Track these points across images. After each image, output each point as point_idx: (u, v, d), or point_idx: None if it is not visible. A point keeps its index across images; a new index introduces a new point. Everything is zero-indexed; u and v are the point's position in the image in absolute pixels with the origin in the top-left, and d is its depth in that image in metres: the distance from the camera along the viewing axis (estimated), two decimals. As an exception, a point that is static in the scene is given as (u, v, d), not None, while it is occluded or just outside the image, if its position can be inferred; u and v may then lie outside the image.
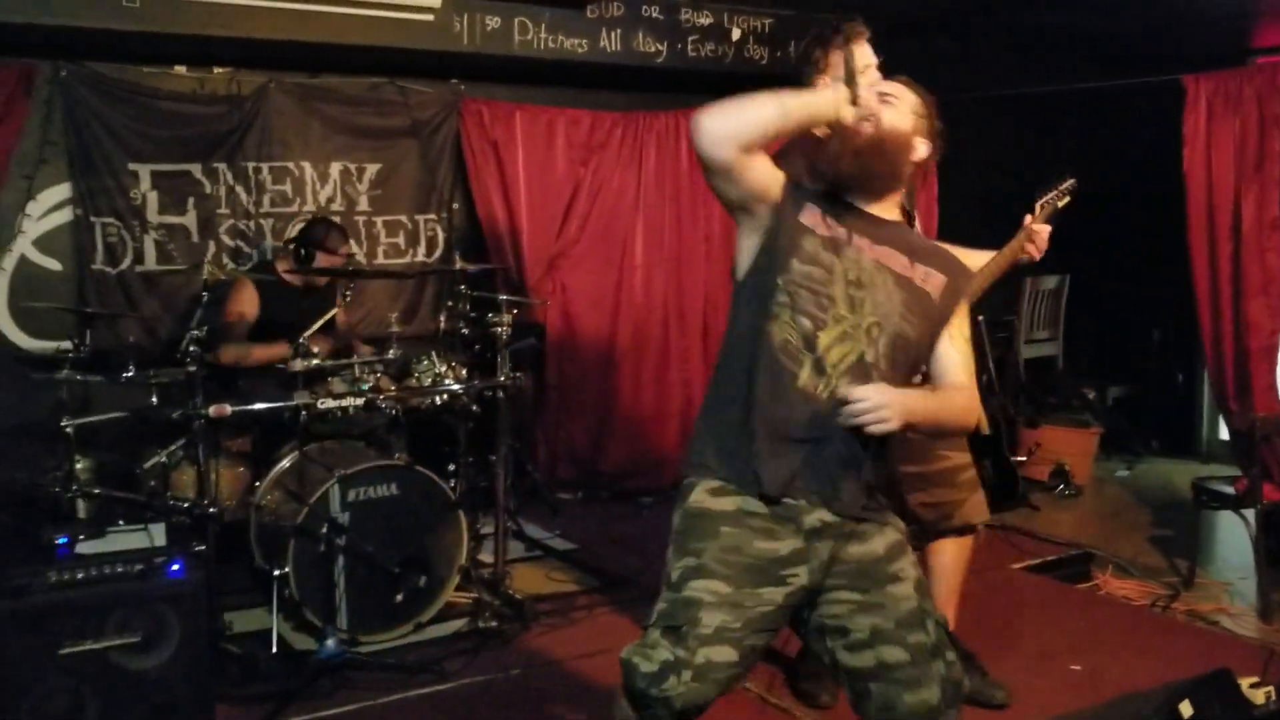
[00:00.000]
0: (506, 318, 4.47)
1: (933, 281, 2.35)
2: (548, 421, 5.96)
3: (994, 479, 5.71)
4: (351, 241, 5.55)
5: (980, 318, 6.35)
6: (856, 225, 2.31)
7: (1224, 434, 6.72)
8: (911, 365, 2.35)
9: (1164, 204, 5.35)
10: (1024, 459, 6.20)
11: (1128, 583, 4.74)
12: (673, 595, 2.21)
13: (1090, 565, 4.94)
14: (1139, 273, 6.96)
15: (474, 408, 4.55)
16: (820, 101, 2.29)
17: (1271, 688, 3.02)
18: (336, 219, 5.53)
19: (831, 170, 2.33)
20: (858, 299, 2.25)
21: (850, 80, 2.27)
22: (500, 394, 4.50)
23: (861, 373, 2.22)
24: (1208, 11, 5.48)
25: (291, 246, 4.90)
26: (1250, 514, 4.47)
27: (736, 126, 2.17)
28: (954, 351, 2.36)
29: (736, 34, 5.77)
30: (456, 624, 4.10)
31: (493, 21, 5.22)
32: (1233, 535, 4.94)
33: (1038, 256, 3.39)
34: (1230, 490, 4.63)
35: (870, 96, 2.30)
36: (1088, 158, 7.05)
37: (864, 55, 2.97)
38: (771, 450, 2.22)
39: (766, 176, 2.28)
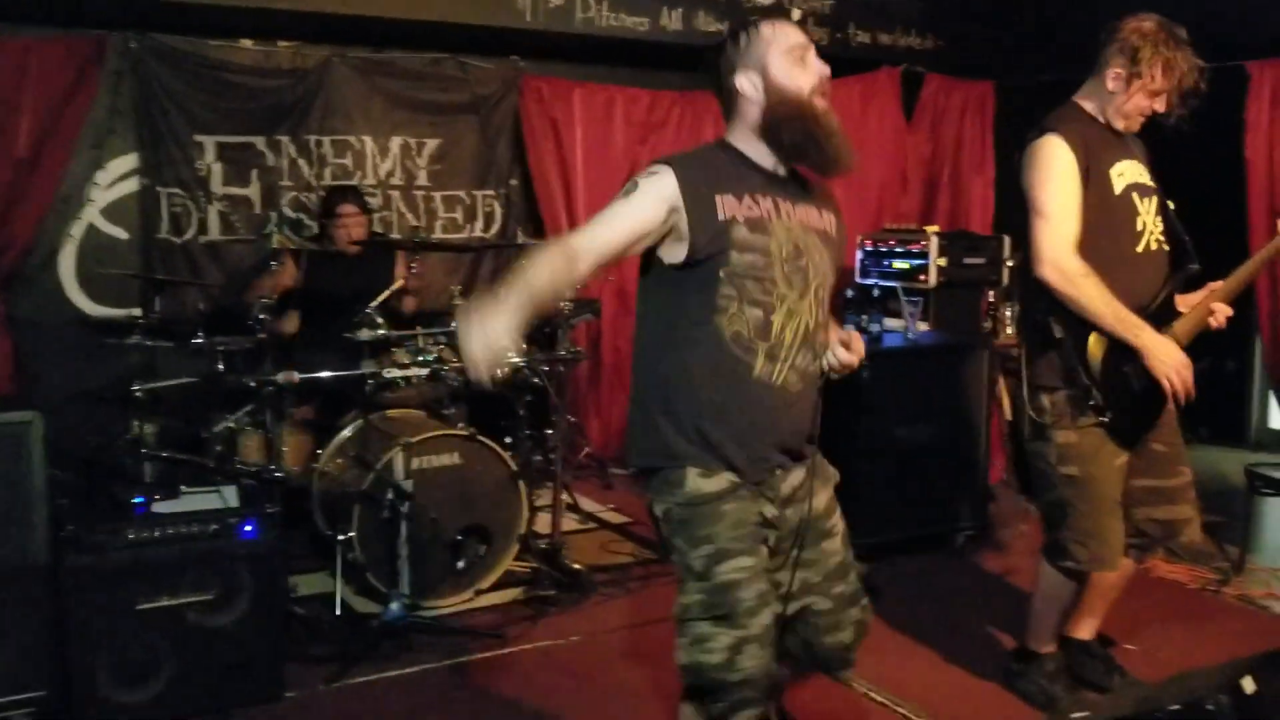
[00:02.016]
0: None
1: (833, 222, 2.43)
2: (602, 398, 6.01)
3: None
4: (410, 215, 5.64)
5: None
6: (777, 193, 2.31)
7: (1274, 423, 6.68)
8: (828, 303, 2.42)
9: (1218, 189, 5.30)
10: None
11: (1178, 567, 4.72)
12: (706, 584, 2.24)
13: (1141, 550, 4.92)
14: (1200, 255, 6.89)
15: (534, 381, 4.61)
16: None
17: (1328, 670, 3.02)
18: (396, 193, 5.61)
19: (807, 147, 2.28)
20: (796, 270, 2.28)
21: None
22: (560, 368, 4.56)
23: (808, 341, 2.30)
24: (1272, -2, 5.43)
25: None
26: (1306, 502, 4.45)
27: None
28: None
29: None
30: (515, 592, 4.16)
31: (556, -2, 5.25)
32: (1285, 523, 4.93)
33: (1222, 322, 3.17)
34: (1286, 478, 4.60)
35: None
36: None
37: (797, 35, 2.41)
38: (740, 440, 2.26)
39: (656, 219, 2.21)
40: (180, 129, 5.13)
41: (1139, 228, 3.06)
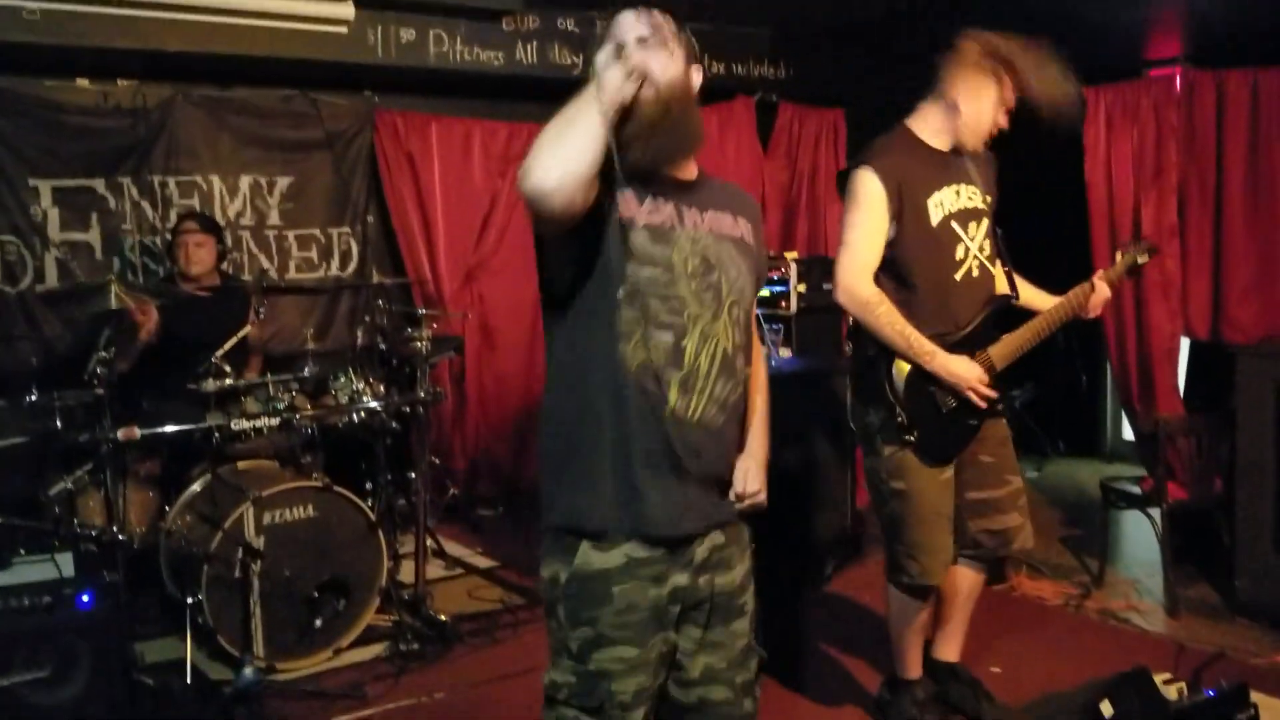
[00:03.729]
0: (425, 331, 4.44)
1: (749, 230, 2.19)
2: (467, 436, 5.91)
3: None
4: (262, 255, 5.47)
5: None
6: (681, 198, 2.08)
7: (1127, 434, 6.93)
8: (748, 323, 2.20)
9: (1064, 211, 5.49)
10: (939, 463, 6.30)
11: (1041, 582, 4.85)
12: (579, 669, 2.06)
13: (1005, 566, 5.04)
14: (1041, 279, 7.12)
15: (393, 424, 4.50)
16: (610, 83, 1.89)
17: (1184, 684, 3.11)
18: (246, 233, 5.44)
19: (643, 154, 1.99)
20: (707, 287, 2.05)
21: (619, 51, 1.94)
22: (420, 410, 4.46)
23: (726, 367, 2.07)
24: (1101, 25, 5.66)
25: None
26: (1156, 513, 4.60)
27: (574, 161, 1.83)
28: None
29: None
30: (377, 648, 4.04)
31: (407, 34, 5.18)
32: (1139, 533, 5.08)
33: (1093, 314, 3.36)
34: (1137, 490, 4.76)
35: (636, 56, 1.95)
36: (991, 157, 7.22)
37: (633, 25, 2.14)
38: (655, 487, 2.02)
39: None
40: (13, 173, 4.87)
41: (959, 255, 3.13)
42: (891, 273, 3.08)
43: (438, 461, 5.47)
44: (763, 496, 2.20)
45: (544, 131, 1.86)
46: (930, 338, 3.04)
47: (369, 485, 4.66)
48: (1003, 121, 3.14)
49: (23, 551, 3.63)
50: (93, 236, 5.08)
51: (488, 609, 4.46)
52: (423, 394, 4.40)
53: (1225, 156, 4.75)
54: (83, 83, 5.09)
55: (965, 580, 3.40)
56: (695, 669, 2.14)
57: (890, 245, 3.06)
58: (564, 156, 1.83)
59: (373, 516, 4.06)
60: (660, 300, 2.00)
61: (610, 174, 1.92)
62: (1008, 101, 3.12)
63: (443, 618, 4.18)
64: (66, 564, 3.48)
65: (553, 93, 2.08)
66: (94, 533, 3.88)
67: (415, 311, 4.82)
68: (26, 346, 4.72)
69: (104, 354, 3.88)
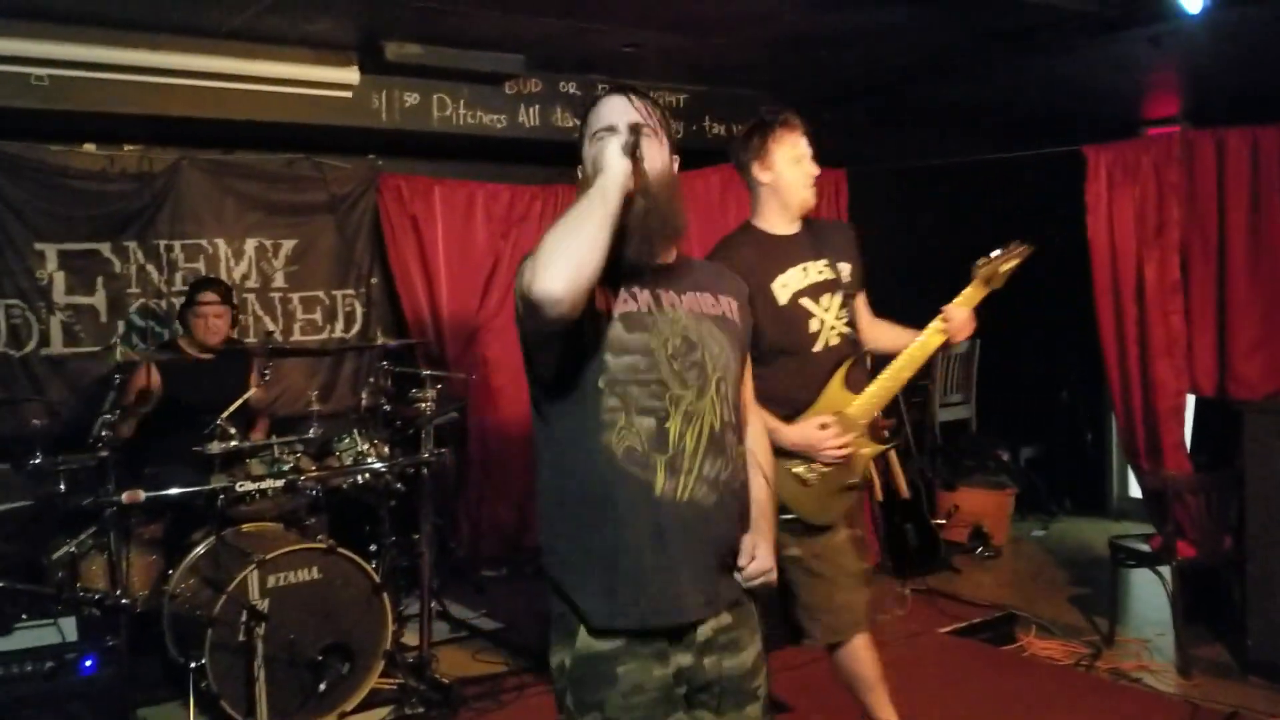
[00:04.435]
0: (430, 393, 4.43)
1: (733, 308, 2.22)
2: (471, 498, 5.88)
3: (916, 542, 5.81)
4: (267, 318, 5.49)
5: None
6: (658, 283, 2.11)
7: (1133, 491, 6.92)
8: (736, 398, 2.20)
9: (1067, 269, 5.52)
10: (943, 521, 6.29)
11: (1051, 643, 4.80)
12: None
13: (1014, 626, 5.00)
14: (1046, 336, 7.16)
15: (397, 486, 4.48)
16: (616, 176, 1.95)
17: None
18: (251, 296, 5.45)
19: (637, 247, 2.05)
20: (690, 366, 2.07)
21: (632, 151, 1.99)
22: (424, 471, 4.44)
23: (714, 445, 2.07)
24: (1102, 86, 5.74)
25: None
26: (1166, 571, 4.57)
27: (583, 271, 1.86)
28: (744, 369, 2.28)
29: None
30: (381, 712, 3.99)
31: (411, 98, 5.23)
32: (1149, 592, 5.05)
33: (958, 339, 3.38)
34: (1146, 548, 4.74)
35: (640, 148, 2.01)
36: (994, 226, 7.26)
37: (625, 111, 2.20)
38: (651, 573, 2.02)
39: None
40: (18, 237, 4.90)
41: (813, 329, 3.23)
42: (753, 356, 3.12)
43: (441, 523, 5.44)
44: (773, 574, 2.19)
45: (551, 237, 1.88)
46: (789, 415, 3.13)
47: (373, 547, 4.62)
48: (812, 169, 3.26)
49: (25, 616, 3.61)
50: (98, 300, 5.09)
51: (493, 672, 4.41)
52: (427, 455, 4.38)
53: (1227, 213, 4.78)
54: (89, 148, 5.13)
55: (859, 651, 3.36)
56: None
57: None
58: (575, 262, 1.85)
59: (377, 579, 4.02)
60: (640, 386, 2.02)
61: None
62: (795, 154, 3.23)
63: (447, 681, 4.13)
64: (69, 629, 3.45)
65: (555, 154, 2.10)
66: (97, 596, 3.84)
67: (419, 373, 4.82)
68: (30, 410, 4.69)
69: (108, 417, 3.88)
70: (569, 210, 1.92)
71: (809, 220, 3.32)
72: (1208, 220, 4.85)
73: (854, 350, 3.29)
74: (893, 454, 5.82)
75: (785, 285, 3.19)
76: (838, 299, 3.27)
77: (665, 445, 2.02)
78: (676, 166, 2.18)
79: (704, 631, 2.08)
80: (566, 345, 2.02)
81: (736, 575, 2.16)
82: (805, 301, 3.21)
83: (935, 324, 3.34)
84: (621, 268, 2.05)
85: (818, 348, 3.21)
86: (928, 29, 4.87)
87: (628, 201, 1.98)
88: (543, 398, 2.12)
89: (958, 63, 5.40)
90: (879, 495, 5.74)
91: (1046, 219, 6.58)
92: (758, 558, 2.17)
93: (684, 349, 2.07)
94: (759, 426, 2.36)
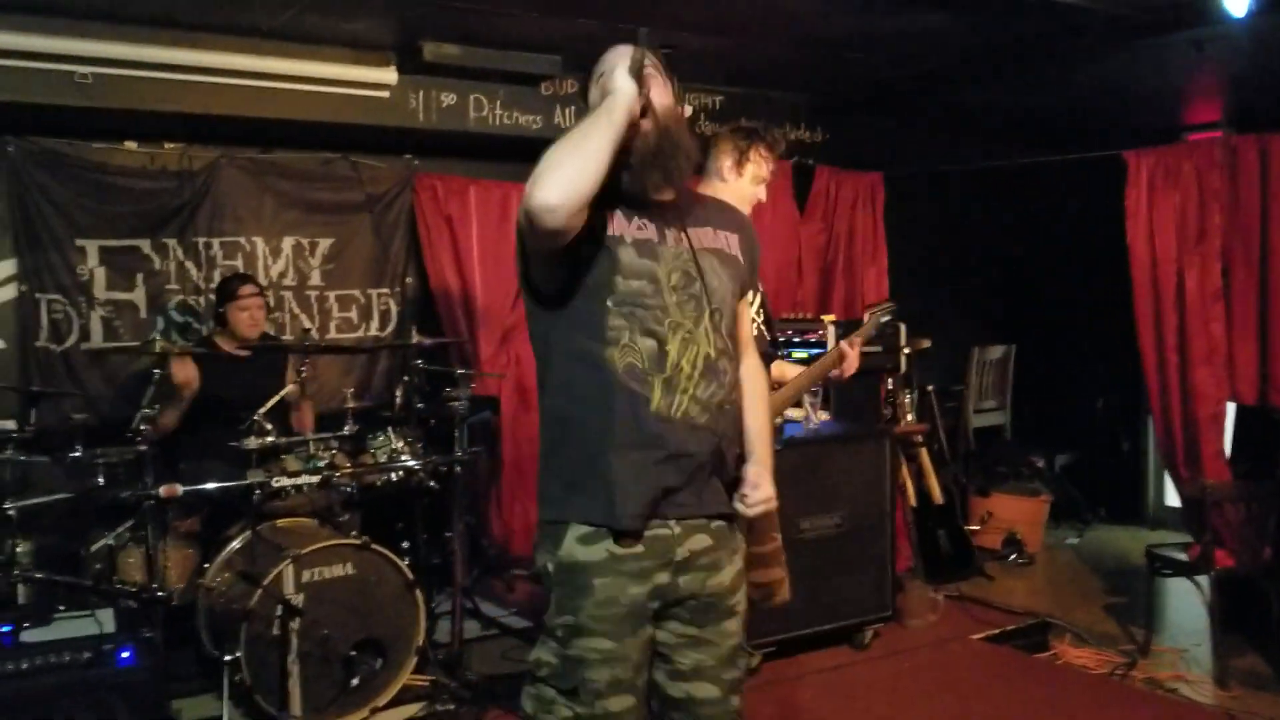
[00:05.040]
0: (463, 392, 4.45)
1: (734, 242, 2.34)
2: (503, 497, 5.89)
3: (949, 548, 5.78)
4: (304, 316, 5.53)
5: (930, 387, 6.45)
6: (664, 216, 2.22)
7: (1170, 500, 6.84)
8: (731, 329, 2.30)
9: (1104, 275, 5.49)
10: (976, 528, 6.24)
11: (1085, 651, 4.76)
12: (561, 652, 2.20)
13: (1048, 634, 4.96)
14: (1081, 342, 7.11)
15: (430, 484, 4.50)
16: (624, 100, 2.04)
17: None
18: (288, 294, 5.50)
19: (645, 178, 2.16)
20: (689, 297, 2.18)
21: (638, 72, 2.09)
22: (457, 470, 4.46)
23: (709, 370, 2.18)
24: (1142, 90, 5.69)
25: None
26: (1203, 580, 4.52)
27: (580, 185, 1.95)
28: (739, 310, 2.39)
29: (687, 110, 5.84)
30: (413, 708, 3.99)
31: (448, 98, 5.26)
32: (1185, 601, 4.99)
33: (846, 375, 3.61)
34: (1183, 557, 4.68)
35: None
36: (1031, 231, 7.25)
37: (630, 53, 2.24)
38: (635, 480, 2.13)
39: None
40: (61, 233, 4.95)
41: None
42: None
43: (473, 521, 5.46)
44: (774, 501, 2.32)
45: (554, 150, 1.98)
46: None
47: (405, 544, 4.64)
48: (761, 195, 3.60)
49: (63, 608, 3.65)
50: (137, 296, 5.15)
51: (523, 670, 4.39)
52: (460, 454, 4.40)
53: (1270, 220, 4.72)
54: (130, 145, 5.18)
55: None
56: (686, 663, 2.26)
57: None
58: (572, 175, 1.95)
59: (410, 575, 4.04)
60: (645, 310, 2.14)
61: (604, 195, 2.04)
62: (760, 174, 3.55)
63: (477, 678, 4.14)
64: (107, 620, 3.49)
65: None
66: (134, 589, 3.89)
67: (452, 372, 4.84)
68: (70, 403, 4.75)
69: (147, 411, 3.92)
70: (574, 126, 2.02)
71: None
72: (1250, 227, 4.80)
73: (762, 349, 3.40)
74: (926, 458, 5.80)
75: None
76: (755, 299, 3.50)
77: (664, 366, 2.14)
78: (687, 111, 2.29)
79: (681, 551, 2.20)
80: (579, 266, 2.12)
81: (739, 504, 2.28)
82: None
83: (831, 354, 3.71)
84: (633, 196, 2.17)
85: None
86: (967, 32, 4.84)
87: (636, 128, 2.10)
88: (540, 313, 2.23)
89: (996, 66, 5.36)
90: (912, 500, 5.71)
91: (1085, 224, 6.57)
92: (759, 485, 2.28)
93: (683, 282, 2.19)
94: (754, 361, 2.46)
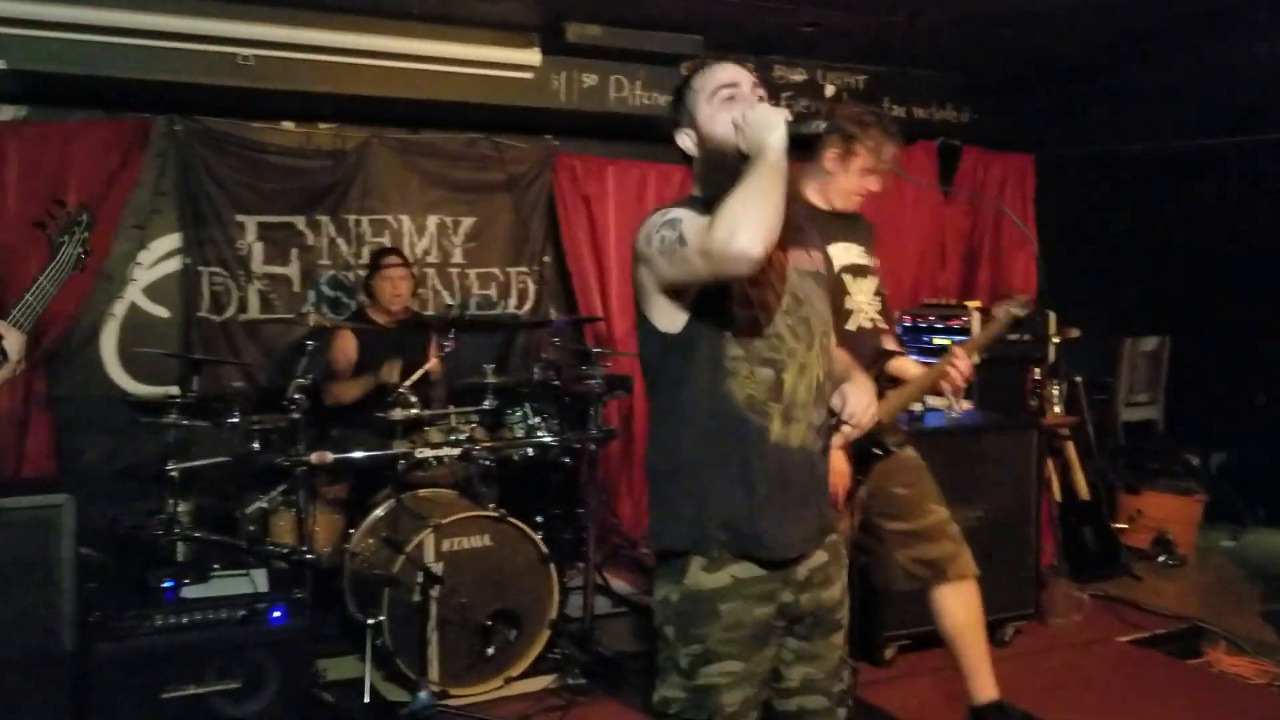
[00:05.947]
0: (597, 370, 4.48)
1: (820, 257, 2.36)
2: (634, 476, 5.92)
3: (1095, 546, 5.57)
4: (446, 292, 5.65)
5: (1078, 378, 6.23)
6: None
7: (1335, 504, 6.46)
8: (835, 350, 2.37)
9: (1267, 265, 5.20)
10: (1124, 526, 6.01)
11: (1240, 659, 4.54)
12: (688, 684, 2.17)
13: (1200, 640, 4.75)
14: (1241, 335, 6.76)
15: (564, 460, 4.56)
16: (782, 154, 2.01)
17: None
18: (432, 270, 5.63)
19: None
20: (800, 321, 2.19)
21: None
22: (591, 446, 4.50)
23: (820, 396, 2.23)
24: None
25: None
26: (1373, 589, 4.27)
27: (772, 235, 1.95)
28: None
29: (830, 90, 5.77)
30: (545, 680, 4.06)
31: (590, 79, 5.29)
32: (1352, 611, 4.73)
33: (958, 384, 3.24)
34: (1351, 563, 4.43)
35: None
36: (1190, 217, 6.91)
37: (744, 76, 2.28)
38: (766, 513, 2.14)
39: None
40: (222, 209, 5.18)
41: (848, 307, 3.29)
42: None
43: (605, 499, 5.51)
44: (872, 409, 2.34)
45: (743, 201, 1.94)
46: None
47: (539, 520, 4.72)
48: (871, 186, 3.36)
49: (218, 566, 3.83)
50: (292, 270, 5.35)
51: (650, 649, 4.43)
52: (595, 431, 4.44)
53: None
54: (287, 125, 5.38)
55: (949, 615, 3.48)
56: (795, 678, 2.27)
57: None
58: (767, 229, 1.94)
59: (544, 549, 4.10)
60: (762, 339, 2.15)
61: None
62: (867, 165, 3.32)
63: (609, 654, 4.18)
64: (261, 580, 3.64)
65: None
66: (285, 550, 4.05)
67: (588, 350, 4.88)
68: (229, 372, 4.97)
69: (301, 380, 4.06)
70: (748, 178, 1.98)
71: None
72: None
73: (877, 340, 3.35)
74: (1072, 452, 5.61)
75: (834, 255, 3.24)
76: (870, 286, 3.39)
77: (780, 395, 2.16)
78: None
79: (803, 570, 2.23)
80: (708, 300, 2.11)
81: (835, 438, 2.34)
82: (847, 277, 3.32)
83: (940, 365, 3.30)
84: None
85: (852, 325, 3.31)
86: (1127, 7, 4.63)
87: (722, 159, 2.11)
88: (659, 348, 2.19)
89: (1157, 44, 5.12)
90: (1057, 495, 5.53)
91: (1248, 212, 6.24)
92: (847, 400, 2.33)
93: (793, 305, 2.20)
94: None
